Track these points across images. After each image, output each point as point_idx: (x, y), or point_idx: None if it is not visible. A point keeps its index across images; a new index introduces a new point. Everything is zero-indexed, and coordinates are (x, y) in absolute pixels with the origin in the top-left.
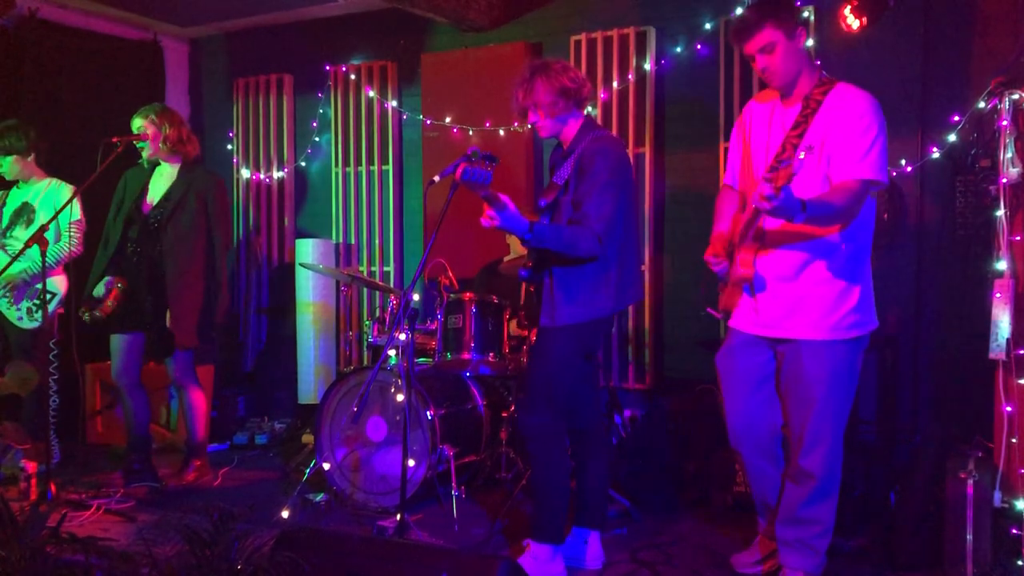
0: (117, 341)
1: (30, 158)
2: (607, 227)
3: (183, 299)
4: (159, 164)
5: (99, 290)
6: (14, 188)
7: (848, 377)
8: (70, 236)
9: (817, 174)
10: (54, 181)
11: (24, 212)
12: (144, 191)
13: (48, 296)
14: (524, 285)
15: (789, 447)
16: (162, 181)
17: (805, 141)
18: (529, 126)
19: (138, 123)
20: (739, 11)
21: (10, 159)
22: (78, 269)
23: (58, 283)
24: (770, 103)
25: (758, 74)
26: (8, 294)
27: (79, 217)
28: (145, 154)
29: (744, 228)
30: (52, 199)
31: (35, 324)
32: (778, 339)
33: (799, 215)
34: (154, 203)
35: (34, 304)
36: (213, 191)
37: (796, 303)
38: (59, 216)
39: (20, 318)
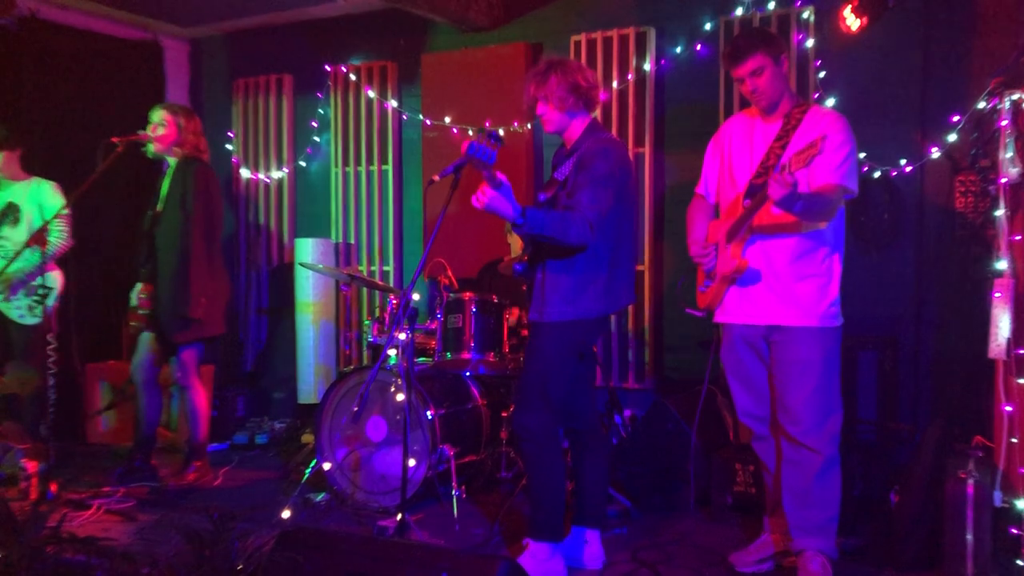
0: (143, 338)
1: (16, 154)
2: (599, 218)
3: (163, 293)
4: (170, 165)
5: (133, 300)
6: None
7: (836, 361)
8: (61, 230)
9: (801, 182)
10: (35, 179)
11: (9, 212)
12: (158, 196)
13: (45, 291)
14: None
15: (784, 433)
16: (167, 182)
17: (787, 152)
18: (529, 125)
19: (159, 115)
20: (739, 11)
21: (1, 155)
22: (79, 267)
23: (54, 278)
24: (749, 121)
25: (747, 95)
26: (3, 291)
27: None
28: (150, 148)
29: (735, 224)
30: (35, 197)
31: (37, 320)
32: (771, 327)
33: (797, 204)
34: (159, 207)
35: (34, 300)
36: (193, 180)
37: (787, 293)
38: (46, 212)
39: (21, 315)
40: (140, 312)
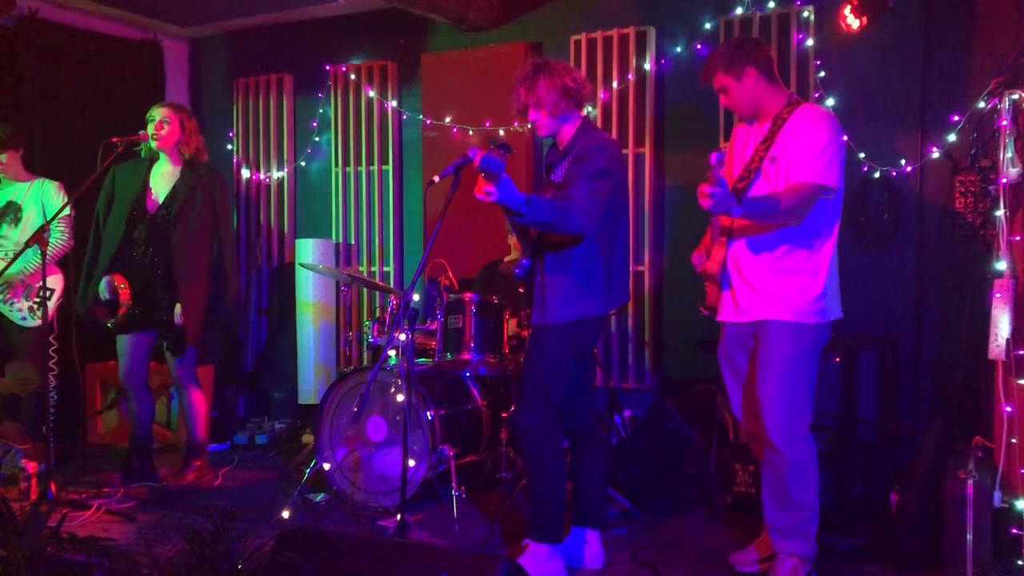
0: (125, 342)
1: (19, 153)
2: (596, 209)
3: (192, 296)
4: (156, 160)
5: (103, 291)
6: None
7: (809, 360)
8: (61, 231)
9: (780, 182)
10: (38, 179)
11: (10, 211)
12: (145, 189)
13: (47, 293)
14: None
15: (760, 430)
16: (163, 179)
17: (771, 153)
18: (529, 125)
19: (161, 112)
20: (739, 11)
21: (4, 156)
22: (78, 267)
23: (55, 280)
24: (751, 123)
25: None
26: (3, 293)
27: (68, 212)
28: (153, 144)
29: (717, 228)
30: (38, 196)
31: (38, 322)
32: (755, 322)
33: (736, 209)
34: (159, 201)
35: (35, 302)
36: (218, 187)
37: (765, 289)
38: (48, 212)
39: (24, 318)
40: (124, 306)
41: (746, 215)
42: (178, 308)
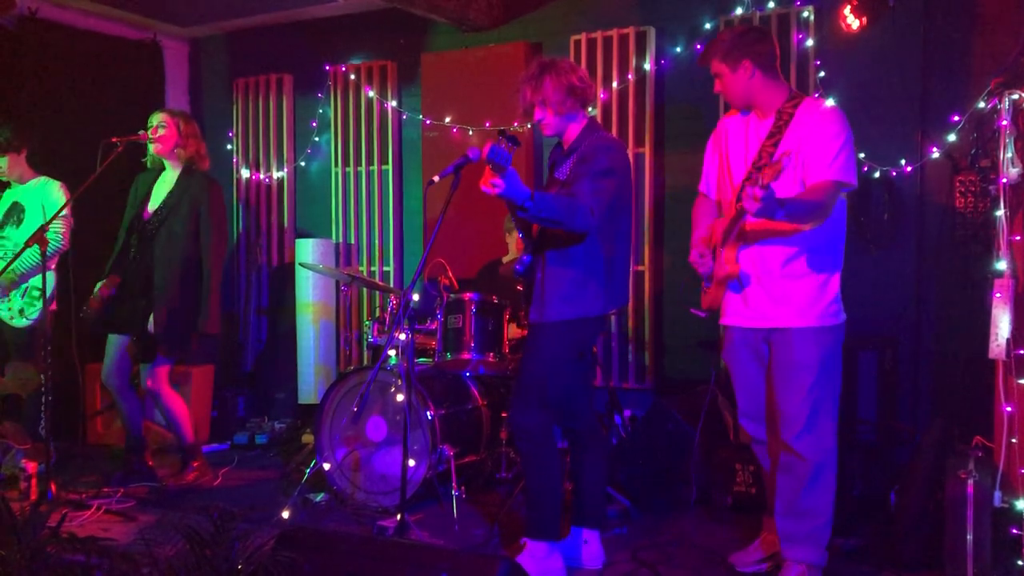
0: (112, 342)
1: (22, 155)
2: (600, 207)
3: (166, 307)
4: (164, 168)
5: (96, 292)
6: (7, 189)
7: (835, 361)
8: (57, 232)
9: (794, 179)
10: (42, 178)
11: (14, 211)
12: (147, 196)
13: (36, 293)
14: None
15: (777, 437)
16: (163, 187)
17: (780, 149)
18: (530, 125)
19: (158, 118)
20: (739, 11)
21: (5, 159)
22: (78, 268)
23: (49, 280)
24: (745, 117)
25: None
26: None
27: (65, 213)
28: (152, 150)
29: (727, 229)
30: (38, 195)
31: (27, 322)
32: (770, 329)
33: (778, 212)
34: (153, 209)
35: (25, 302)
36: (207, 196)
37: (783, 294)
38: (47, 212)
39: (12, 317)
40: (95, 300)
41: (788, 217)
42: (152, 316)
